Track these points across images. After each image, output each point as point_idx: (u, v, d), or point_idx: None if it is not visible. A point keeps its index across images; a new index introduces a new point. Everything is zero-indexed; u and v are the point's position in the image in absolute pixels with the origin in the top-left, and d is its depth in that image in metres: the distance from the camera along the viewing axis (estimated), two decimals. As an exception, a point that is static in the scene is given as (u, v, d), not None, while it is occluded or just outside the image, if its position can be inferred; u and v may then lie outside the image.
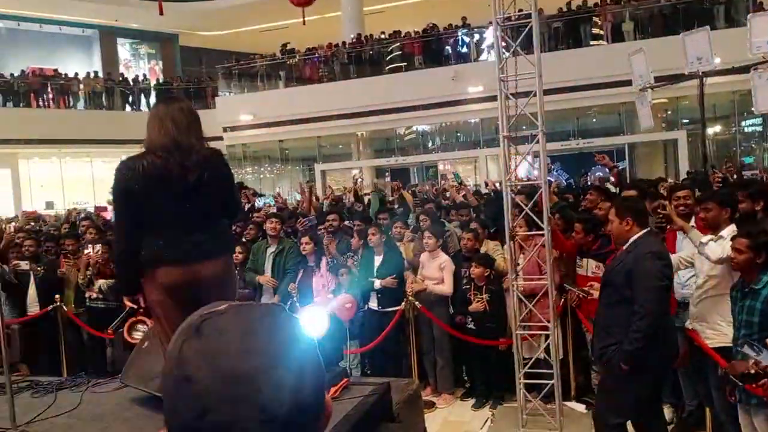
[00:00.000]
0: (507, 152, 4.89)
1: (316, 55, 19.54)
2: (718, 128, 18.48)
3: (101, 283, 6.71)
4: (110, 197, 3.01)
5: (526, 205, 4.82)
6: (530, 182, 5.24)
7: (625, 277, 3.54)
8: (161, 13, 14.68)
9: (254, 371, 0.70)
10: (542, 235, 4.65)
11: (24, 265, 6.78)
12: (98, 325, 6.49)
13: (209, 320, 0.74)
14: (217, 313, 0.76)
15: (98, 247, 6.89)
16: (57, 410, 4.09)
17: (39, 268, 6.71)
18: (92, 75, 20.29)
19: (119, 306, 6.47)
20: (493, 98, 5.19)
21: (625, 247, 3.68)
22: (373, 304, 5.81)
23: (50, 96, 18.97)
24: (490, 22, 14.65)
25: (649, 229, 3.75)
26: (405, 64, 18.07)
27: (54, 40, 21.89)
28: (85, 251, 6.88)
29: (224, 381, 0.69)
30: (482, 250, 5.73)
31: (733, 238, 3.52)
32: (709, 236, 3.88)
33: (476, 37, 17.65)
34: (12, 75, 18.82)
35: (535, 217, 4.68)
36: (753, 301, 3.36)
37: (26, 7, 19.77)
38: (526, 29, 4.82)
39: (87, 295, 6.75)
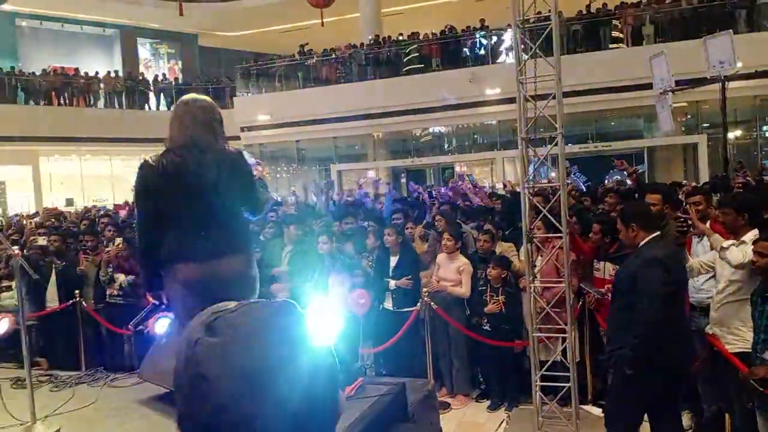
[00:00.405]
0: (525, 154, 4.87)
1: (334, 56, 19.60)
2: (739, 133, 18.25)
3: (122, 279, 6.78)
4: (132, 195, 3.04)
5: (544, 207, 4.80)
6: (548, 184, 5.22)
7: (630, 282, 3.59)
8: (181, 14, 14.87)
9: (268, 368, 0.70)
10: (560, 237, 4.62)
11: (42, 240, 6.86)
12: (117, 322, 6.55)
13: (220, 318, 0.75)
14: (228, 311, 0.76)
15: (119, 240, 6.96)
16: (76, 404, 4.14)
17: (59, 263, 6.79)
18: (113, 74, 20.52)
19: (138, 302, 6.55)
20: (511, 100, 5.19)
21: (634, 253, 3.72)
22: (388, 304, 5.81)
23: (71, 94, 19.21)
24: (509, 25, 14.62)
25: (657, 233, 3.76)
26: (422, 65, 18.06)
27: (75, 39, 22.18)
28: (105, 249, 6.95)
29: (238, 378, 0.70)
30: (497, 251, 5.71)
31: (755, 242, 3.48)
32: (731, 241, 3.84)
33: (494, 39, 17.60)
34: (33, 73, 19.09)
35: (553, 219, 4.65)
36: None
37: (49, 6, 20.06)
38: (546, 31, 4.79)
39: (108, 292, 6.82)
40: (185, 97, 3.07)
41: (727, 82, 7.54)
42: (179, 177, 2.82)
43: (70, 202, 17.62)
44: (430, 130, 19.77)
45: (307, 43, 20.52)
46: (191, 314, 2.74)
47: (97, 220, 9.16)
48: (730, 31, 7.51)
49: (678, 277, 3.67)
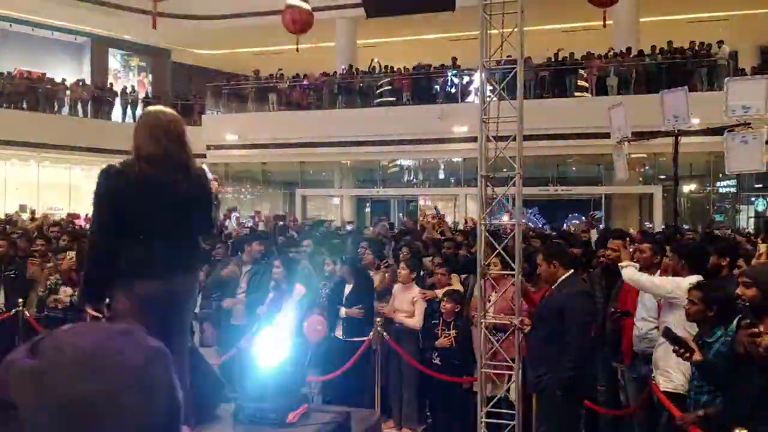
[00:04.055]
0: (484, 191, 4.97)
1: (306, 82, 19.73)
2: (693, 186, 18.93)
3: (69, 292, 6.60)
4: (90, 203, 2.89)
5: (499, 245, 4.88)
6: (504, 223, 5.32)
7: (557, 313, 4.02)
8: (154, 27, 14.78)
9: (92, 397, 0.60)
10: (513, 275, 4.70)
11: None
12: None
13: (48, 337, 0.65)
14: (61, 331, 0.66)
15: (71, 254, 6.81)
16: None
17: (7, 269, 6.58)
18: (81, 83, 20.21)
19: (78, 317, 6.38)
20: (476, 139, 5.30)
21: (554, 287, 4.18)
22: (339, 332, 5.78)
23: (36, 100, 18.82)
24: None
25: (573, 270, 4.30)
26: (394, 99, 18.32)
27: (46, 44, 21.83)
28: (56, 257, 6.79)
29: (55, 408, 0.60)
30: (453, 285, 5.76)
31: (689, 290, 3.63)
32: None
33: (465, 78, 17.99)
34: (1, 74, 18.70)
35: (506, 257, 4.74)
36: (706, 354, 3.45)
37: (20, 8, 19.74)
38: (511, 74, 4.95)
39: (50, 300, 6.63)
40: (152, 108, 3.06)
41: (680, 137, 7.85)
42: (150, 188, 2.77)
43: (23, 209, 17.08)
44: (397, 162, 19.97)
45: (281, 69, 20.61)
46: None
47: (47, 228, 8.93)
48: (686, 87, 7.86)
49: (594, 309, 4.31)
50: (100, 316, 2.88)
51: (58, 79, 19.85)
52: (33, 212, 13.98)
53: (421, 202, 19.08)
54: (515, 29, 5.06)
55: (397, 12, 7.37)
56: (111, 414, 0.60)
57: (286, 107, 19.54)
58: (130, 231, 2.77)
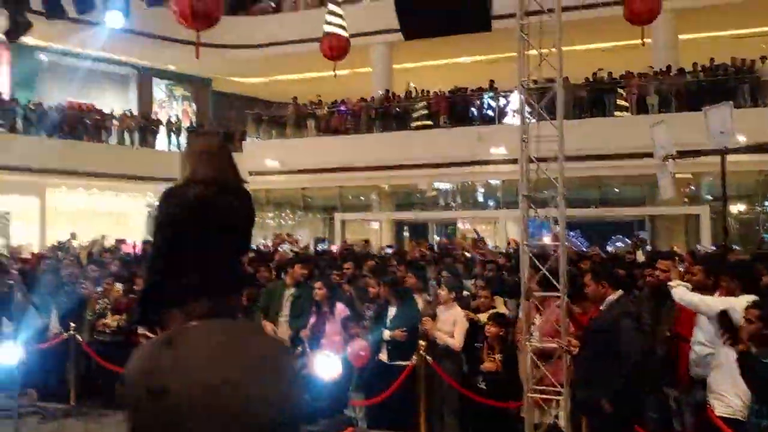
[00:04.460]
0: (526, 212, 4.94)
1: (344, 108, 20.01)
2: (742, 206, 18.37)
3: (118, 318, 6.80)
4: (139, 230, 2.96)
5: (543, 267, 4.83)
6: (549, 243, 5.27)
7: (606, 334, 4.01)
8: (197, 57, 15.22)
9: (232, 382, 0.64)
10: (558, 296, 4.64)
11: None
12: (105, 356, 6.52)
13: (183, 332, 0.72)
14: (192, 326, 0.73)
15: (119, 286, 7.05)
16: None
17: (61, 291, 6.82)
18: (128, 113, 20.92)
19: (127, 340, 6.55)
20: (515, 161, 5.31)
21: (602, 307, 4.18)
22: (383, 356, 5.76)
23: (85, 130, 19.53)
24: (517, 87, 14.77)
25: (622, 291, 4.29)
26: (431, 123, 18.41)
27: (94, 76, 22.65)
28: (106, 282, 7.02)
29: (200, 392, 0.64)
30: (497, 308, 5.71)
31: (746, 308, 3.53)
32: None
33: (502, 101, 17.99)
34: (50, 106, 19.46)
35: (551, 278, 4.68)
36: (765, 374, 3.34)
37: (70, 42, 20.58)
38: (549, 94, 4.94)
39: (99, 324, 6.83)
40: (201, 132, 3.18)
41: (727, 155, 7.67)
42: (208, 211, 2.83)
43: (73, 236, 17.62)
44: (435, 185, 19.97)
45: (319, 95, 20.95)
46: None
47: (100, 254, 9.22)
48: (731, 102, 7.70)
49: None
50: (153, 336, 2.94)
51: (106, 110, 20.57)
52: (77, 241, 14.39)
53: (460, 225, 18.99)
54: (552, 49, 5.07)
55: (435, 34, 7.44)
56: (249, 397, 0.65)
57: (325, 133, 19.83)
58: (187, 253, 2.83)
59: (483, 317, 5.64)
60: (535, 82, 5.56)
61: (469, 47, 19.09)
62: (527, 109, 5.38)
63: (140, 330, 3.10)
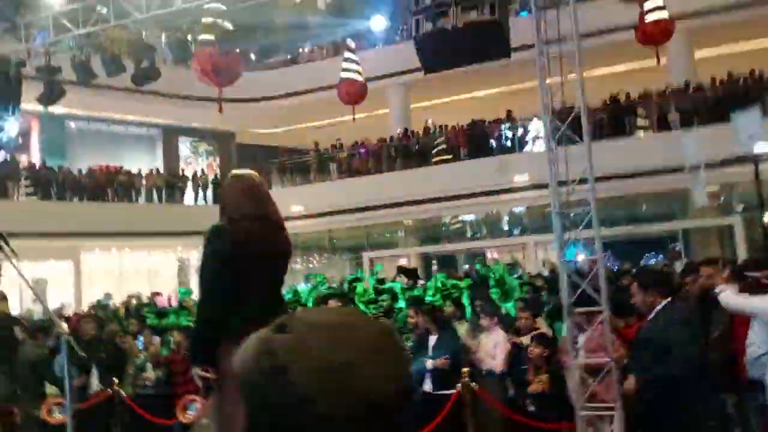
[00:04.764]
0: (561, 231, 4.94)
1: (363, 150, 20.31)
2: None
3: (157, 373, 6.87)
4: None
5: (582, 284, 4.80)
6: (586, 259, 5.24)
7: (657, 343, 3.88)
8: (220, 111, 15.67)
9: (352, 362, 0.70)
10: (600, 311, 4.59)
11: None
12: (148, 409, 6.57)
13: (294, 318, 0.77)
14: (301, 312, 0.79)
15: (157, 339, 7.14)
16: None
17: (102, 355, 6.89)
18: (154, 171, 21.46)
19: (169, 392, 6.60)
20: (537, 186, 5.36)
21: (650, 316, 4.04)
22: (427, 386, 5.71)
23: (114, 191, 20.04)
24: (535, 115, 15.00)
25: (670, 298, 4.13)
26: (451, 156, 18.55)
27: (121, 138, 23.40)
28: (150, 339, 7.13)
29: (322, 371, 0.69)
30: (539, 328, 5.65)
31: None
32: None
33: (520, 130, 18.12)
34: (80, 171, 20.06)
35: (592, 293, 4.64)
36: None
37: (97, 108, 21.31)
38: (570, 116, 5.01)
39: (139, 378, 6.90)
40: (239, 172, 3.27)
41: (760, 162, 7.60)
42: (256, 246, 2.90)
43: (108, 296, 17.89)
44: (460, 217, 19.99)
45: (339, 139, 21.31)
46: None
47: (137, 309, 9.35)
48: (758, 105, 7.65)
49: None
50: (208, 376, 2.88)
51: (134, 170, 21.13)
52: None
53: (488, 255, 18.89)
54: (571, 74, 5.17)
55: (455, 65, 7.60)
56: (371, 375, 0.70)
57: (347, 175, 20.08)
58: (237, 288, 2.87)
59: (525, 340, 5.58)
60: (555, 109, 5.66)
61: (485, 81, 19.37)
62: (549, 132, 5.45)
63: (194, 370, 3.04)
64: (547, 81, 5.47)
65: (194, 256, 22.35)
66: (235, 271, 2.88)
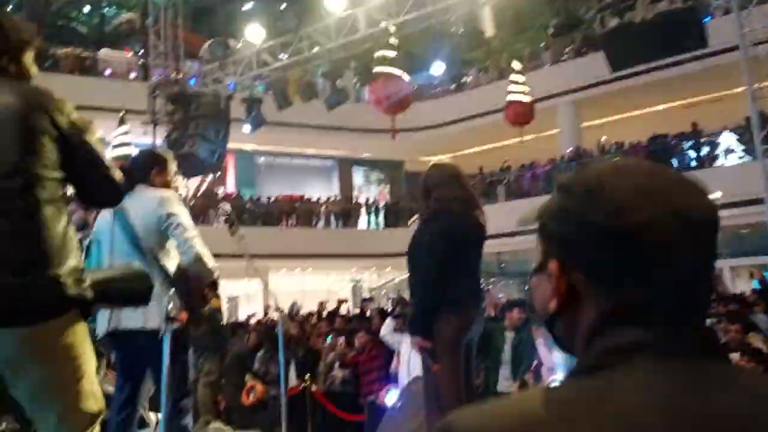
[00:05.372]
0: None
1: (531, 172, 19.99)
2: None
3: (343, 373, 7.30)
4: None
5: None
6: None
7: None
8: (394, 137, 16.40)
9: (666, 185, 0.73)
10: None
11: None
12: (336, 405, 6.99)
13: (576, 176, 0.82)
14: (586, 170, 0.83)
15: (342, 339, 7.61)
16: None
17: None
18: (334, 198, 23.04)
19: (356, 391, 6.98)
20: (734, 204, 4.95)
21: None
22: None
23: (297, 217, 21.79)
24: (725, 127, 13.83)
25: None
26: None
27: (302, 170, 25.45)
28: (337, 340, 7.63)
29: (639, 188, 0.71)
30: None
31: None
32: None
33: (705, 148, 16.72)
34: (268, 199, 22.12)
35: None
36: None
37: (281, 144, 23.42)
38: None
39: (328, 376, 7.37)
40: (439, 162, 3.57)
41: None
42: (475, 228, 3.25)
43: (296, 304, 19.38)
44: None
45: (506, 161, 21.18)
46: (458, 356, 2.93)
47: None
48: None
49: None
50: (428, 345, 3.14)
51: (314, 198, 22.81)
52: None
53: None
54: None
55: (646, 60, 7.21)
56: (677, 194, 0.73)
57: (515, 197, 19.85)
58: (457, 265, 3.18)
59: (735, 356, 5.11)
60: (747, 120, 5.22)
61: (664, 93, 18.22)
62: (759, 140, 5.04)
63: (413, 339, 3.32)
64: (737, 90, 5.06)
65: (366, 276, 23.42)
66: (456, 250, 3.17)
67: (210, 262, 3.14)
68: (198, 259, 3.08)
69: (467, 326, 3.10)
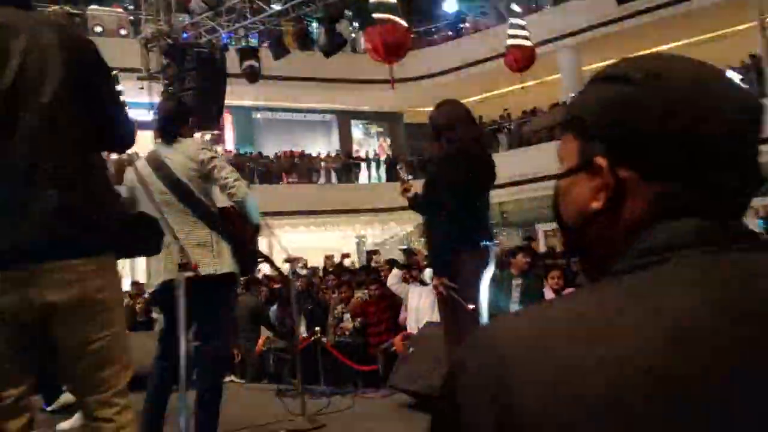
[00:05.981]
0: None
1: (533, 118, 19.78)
2: None
3: (354, 323, 7.37)
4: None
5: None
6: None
7: None
8: (392, 87, 16.15)
9: (716, 84, 0.69)
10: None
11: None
12: (346, 355, 7.09)
13: (637, 62, 0.77)
14: (650, 56, 0.79)
15: (359, 294, 7.67)
16: (334, 409, 4.53)
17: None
18: (335, 153, 22.88)
19: (365, 342, 7.07)
20: None
21: None
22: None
23: (298, 173, 21.69)
24: (728, 65, 13.33)
25: None
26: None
27: (301, 126, 25.18)
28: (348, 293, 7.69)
29: (696, 81, 0.68)
30: None
31: None
32: None
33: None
34: (268, 157, 21.97)
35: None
36: None
37: (279, 98, 23.11)
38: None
39: (337, 328, 7.45)
40: (450, 100, 3.51)
41: None
42: (493, 171, 3.26)
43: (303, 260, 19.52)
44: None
45: (507, 109, 20.94)
46: (475, 286, 2.92)
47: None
48: None
49: None
50: (452, 285, 3.18)
51: (314, 154, 22.65)
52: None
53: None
54: None
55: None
56: (726, 87, 0.69)
57: (517, 145, 19.72)
58: (476, 206, 3.20)
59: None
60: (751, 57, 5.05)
61: (666, 33, 17.84)
62: None
63: (437, 280, 3.39)
64: (740, 27, 4.85)
65: (370, 232, 23.47)
66: (478, 189, 3.19)
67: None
68: (246, 196, 3.13)
69: (487, 262, 3.17)
